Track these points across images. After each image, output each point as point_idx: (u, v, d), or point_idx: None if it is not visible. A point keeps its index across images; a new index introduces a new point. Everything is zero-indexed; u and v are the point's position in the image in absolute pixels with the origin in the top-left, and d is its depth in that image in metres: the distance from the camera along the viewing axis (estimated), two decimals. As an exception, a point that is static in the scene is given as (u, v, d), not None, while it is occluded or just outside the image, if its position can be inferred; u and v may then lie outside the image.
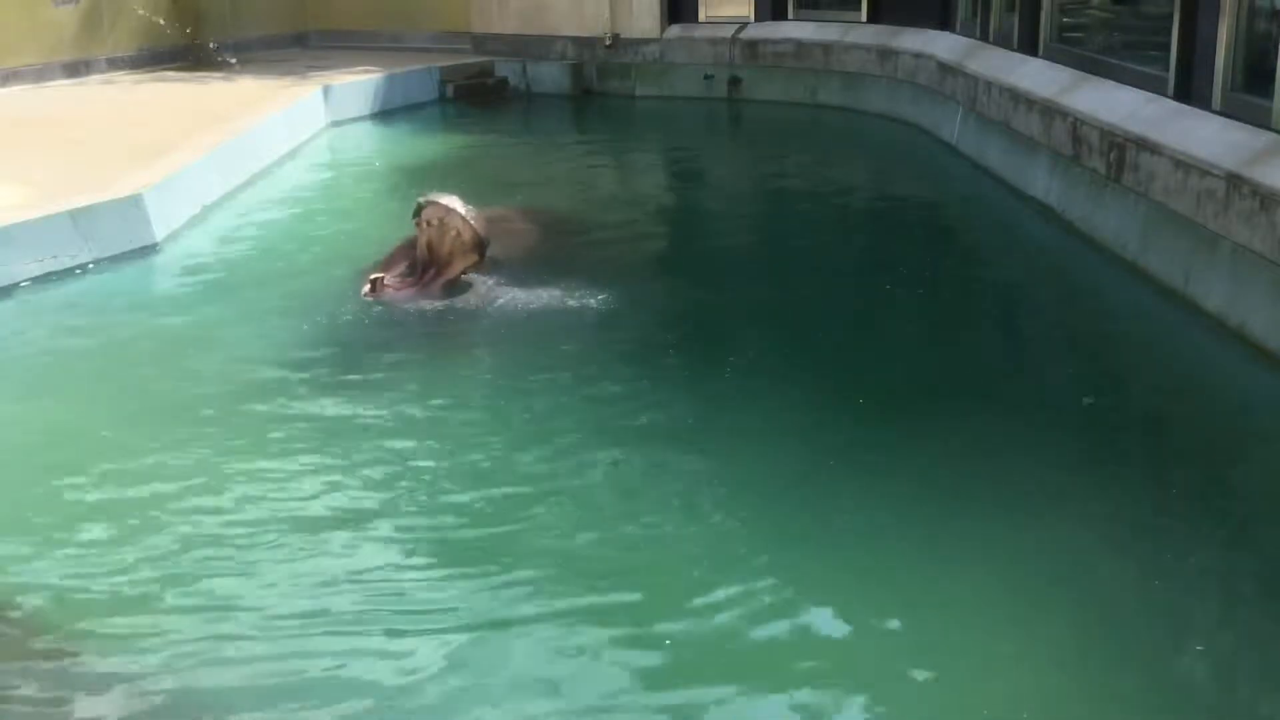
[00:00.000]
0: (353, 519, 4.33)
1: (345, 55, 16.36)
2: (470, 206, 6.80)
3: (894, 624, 3.70)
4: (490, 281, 6.92)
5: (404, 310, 6.56)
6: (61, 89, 13.80)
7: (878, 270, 7.85)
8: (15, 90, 13.59)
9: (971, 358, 6.13)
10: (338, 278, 7.13)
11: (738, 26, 14.84)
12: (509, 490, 4.55)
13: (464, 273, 6.80)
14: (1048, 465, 4.76)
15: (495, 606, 3.79)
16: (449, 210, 6.67)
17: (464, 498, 4.50)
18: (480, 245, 6.79)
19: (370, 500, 4.48)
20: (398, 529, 4.28)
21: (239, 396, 5.45)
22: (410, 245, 7.02)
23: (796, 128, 13.45)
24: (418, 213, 6.77)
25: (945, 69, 11.51)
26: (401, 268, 6.94)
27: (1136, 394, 5.68)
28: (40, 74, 14.16)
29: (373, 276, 6.75)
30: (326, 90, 13.28)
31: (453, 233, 6.69)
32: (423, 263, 6.84)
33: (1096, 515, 4.37)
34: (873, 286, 7.42)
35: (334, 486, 4.58)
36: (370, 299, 6.63)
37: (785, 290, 7.26)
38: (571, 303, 6.68)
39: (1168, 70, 7.58)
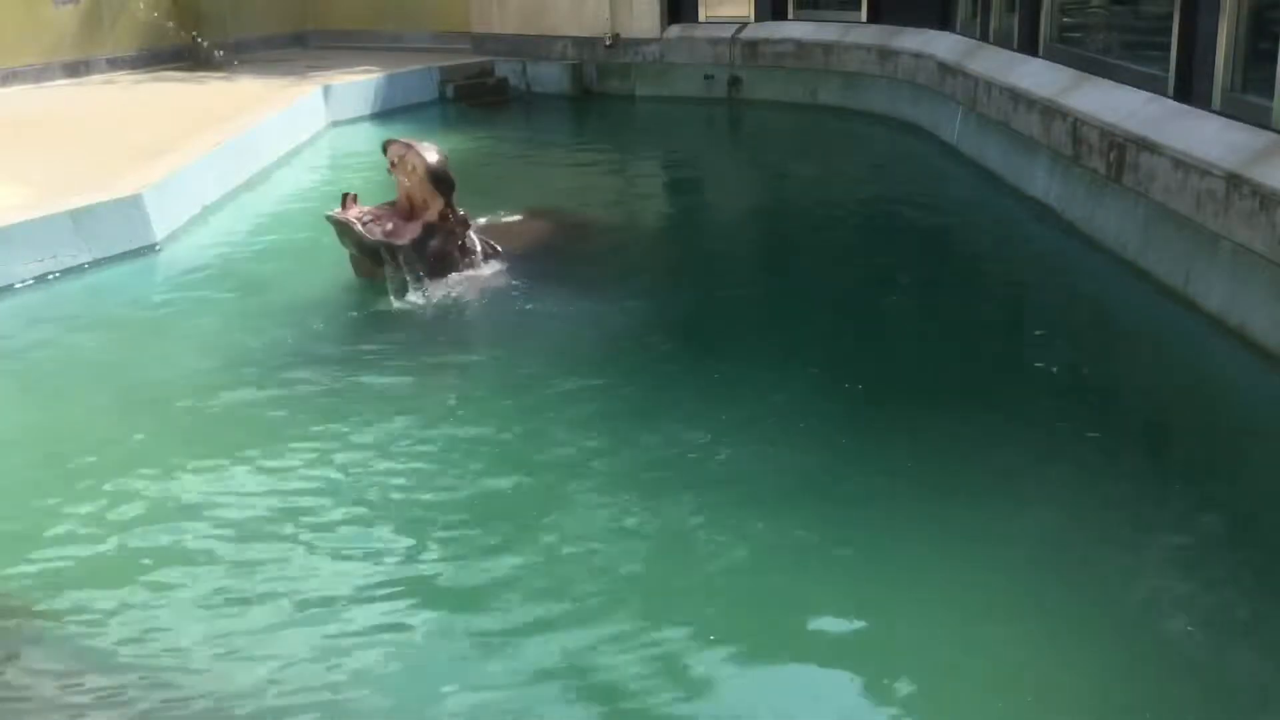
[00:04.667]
0: (354, 518, 4.33)
1: (345, 55, 16.37)
2: (436, 147, 6.86)
3: (894, 617, 3.70)
4: (494, 282, 6.93)
5: (407, 310, 6.56)
6: (61, 89, 13.81)
7: (878, 270, 7.84)
8: (15, 90, 13.60)
9: (971, 357, 6.13)
10: (338, 278, 7.12)
11: (738, 26, 14.85)
12: (506, 485, 4.56)
13: (444, 222, 6.75)
14: (1048, 462, 4.76)
15: (491, 602, 3.79)
16: (408, 146, 6.74)
17: (463, 494, 4.51)
18: (437, 178, 6.74)
19: (373, 499, 4.48)
20: (400, 530, 4.27)
21: (239, 397, 5.45)
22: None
23: (797, 128, 13.45)
24: (385, 152, 6.81)
25: (945, 69, 11.51)
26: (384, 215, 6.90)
27: (1137, 392, 5.68)
28: (40, 74, 14.18)
29: (346, 193, 6.72)
30: (326, 90, 13.29)
31: (410, 167, 6.71)
32: (403, 212, 6.83)
33: (1097, 509, 4.38)
34: (873, 286, 7.41)
35: (334, 486, 4.58)
36: (337, 218, 6.55)
37: (786, 289, 7.27)
38: (573, 303, 6.68)
39: (1168, 70, 7.58)
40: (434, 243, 6.77)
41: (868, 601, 3.82)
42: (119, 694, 3.40)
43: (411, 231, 6.66)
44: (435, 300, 6.69)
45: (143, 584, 3.93)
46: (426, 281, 6.71)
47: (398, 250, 6.58)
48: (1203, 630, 3.66)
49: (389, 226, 6.66)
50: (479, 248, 7.18)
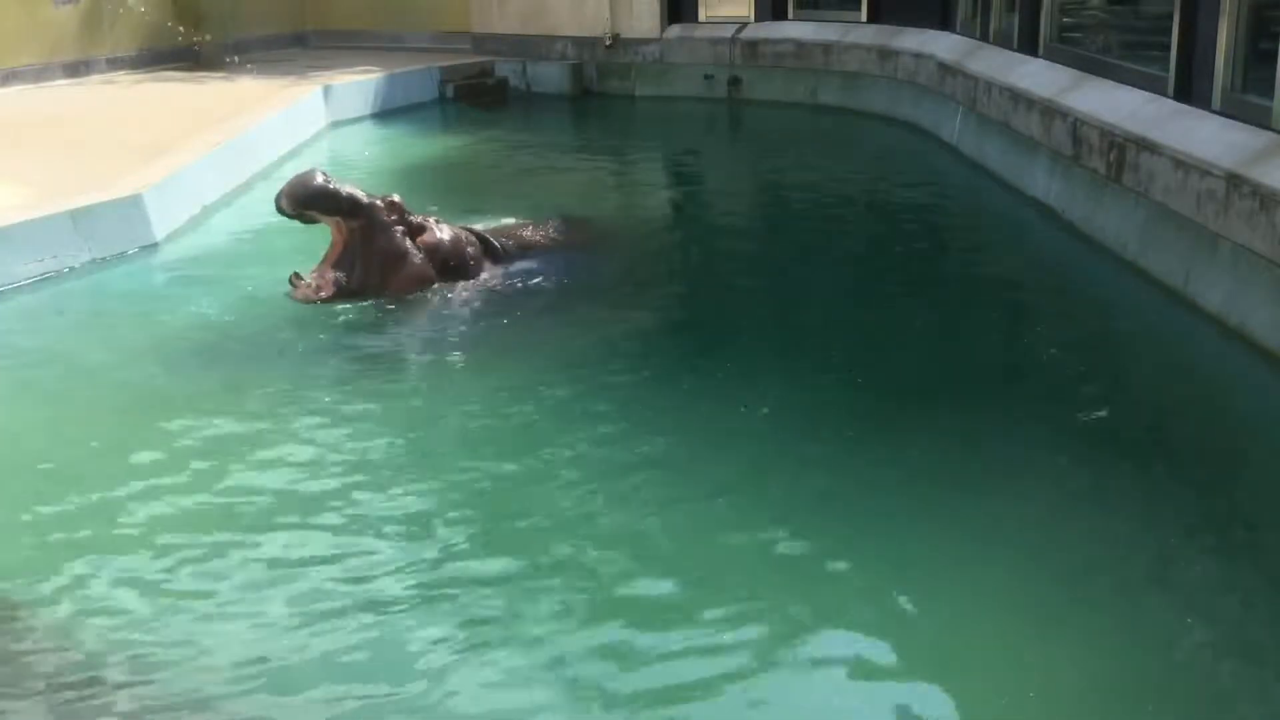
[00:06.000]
0: (355, 517, 4.33)
1: (345, 55, 16.38)
2: (294, 176, 6.75)
3: (892, 613, 3.70)
4: (497, 285, 6.95)
5: (407, 311, 6.57)
6: (61, 89, 13.81)
7: (878, 270, 7.86)
8: (15, 90, 13.60)
9: (971, 356, 6.13)
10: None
11: (738, 26, 14.85)
12: (503, 480, 4.57)
13: (355, 234, 6.66)
14: (1048, 461, 4.76)
15: (487, 601, 3.80)
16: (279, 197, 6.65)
17: (466, 493, 4.52)
18: (299, 203, 6.58)
19: (375, 498, 4.48)
20: (402, 530, 4.27)
21: (239, 397, 5.45)
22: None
23: (797, 128, 13.45)
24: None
25: (945, 69, 11.52)
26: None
27: (1136, 392, 5.68)
28: (40, 74, 14.18)
29: (290, 276, 6.72)
30: (327, 90, 13.29)
31: (293, 213, 6.63)
32: (336, 250, 6.77)
33: (1096, 508, 4.38)
34: (873, 286, 7.43)
35: (334, 487, 4.58)
36: (298, 300, 6.61)
37: (786, 289, 7.27)
38: (570, 298, 6.69)
39: (1168, 70, 7.58)
40: (366, 257, 6.65)
41: (867, 598, 3.82)
42: (117, 691, 3.40)
43: (330, 281, 6.62)
44: (442, 302, 6.71)
45: (142, 583, 3.93)
46: (390, 291, 6.70)
47: (336, 299, 6.59)
48: (1203, 627, 3.66)
49: (318, 283, 6.64)
50: (447, 234, 7.05)
